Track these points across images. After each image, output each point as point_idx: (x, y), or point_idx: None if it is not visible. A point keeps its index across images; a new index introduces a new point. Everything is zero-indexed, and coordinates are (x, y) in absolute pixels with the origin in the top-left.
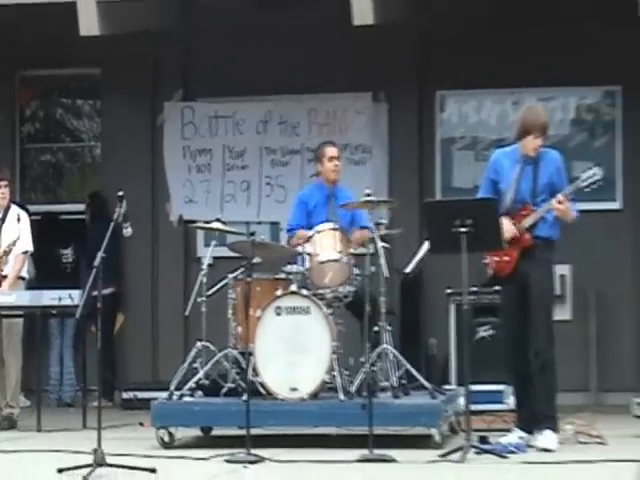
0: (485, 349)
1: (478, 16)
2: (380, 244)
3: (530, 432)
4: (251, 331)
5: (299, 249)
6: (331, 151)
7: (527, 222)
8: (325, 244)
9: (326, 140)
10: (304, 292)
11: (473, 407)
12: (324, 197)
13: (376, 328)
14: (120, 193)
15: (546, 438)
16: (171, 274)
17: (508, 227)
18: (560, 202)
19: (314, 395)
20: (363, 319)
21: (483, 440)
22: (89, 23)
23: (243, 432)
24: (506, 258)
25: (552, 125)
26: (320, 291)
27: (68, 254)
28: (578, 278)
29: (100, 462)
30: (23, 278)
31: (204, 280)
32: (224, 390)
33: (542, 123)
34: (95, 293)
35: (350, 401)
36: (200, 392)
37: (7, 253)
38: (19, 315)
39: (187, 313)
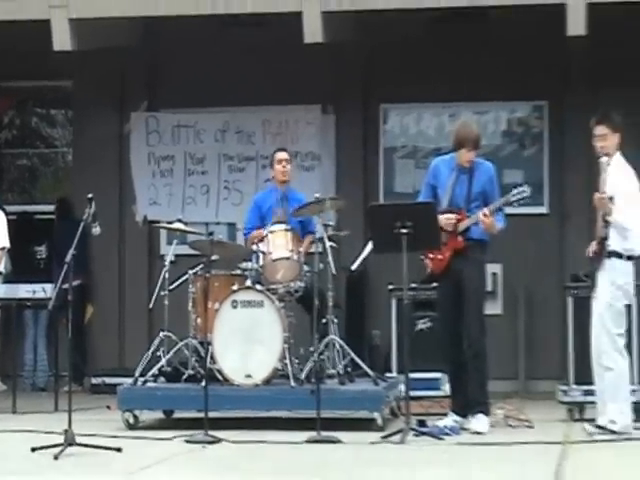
0: (423, 340)
1: (418, 37)
2: (328, 244)
3: (464, 416)
4: (209, 322)
5: (254, 248)
6: (280, 155)
7: (461, 227)
8: (278, 243)
9: (278, 148)
10: (258, 287)
11: (412, 393)
12: (277, 200)
13: (324, 320)
14: (90, 195)
15: (479, 421)
16: (136, 270)
17: (449, 217)
18: (485, 215)
19: (267, 381)
20: (312, 312)
21: (421, 423)
22: (62, 39)
23: (202, 415)
24: (440, 257)
25: (485, 136)
26: (273, 286)
27: (42, 251)
28: (508, 276)
29: (70, 442)
30: (0, 273)
31: (166, 275)
32: (184, 376)
33: (474, 138)
34: (66, 286)
35: (300, 387)
36: (162, 378)
37: None
38: None
39: (151, 306)
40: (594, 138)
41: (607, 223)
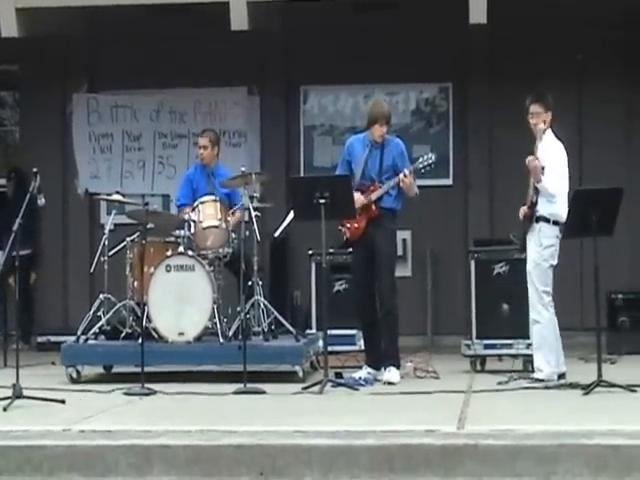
0: (340, 300)
1: (336, 25)
2: (253, 213)
3: (377, 369)
4: (145, 285)
5: (186, 217)
6: (200, 141)
7: (374, 196)
8: (207, 213)
9: (204, 129)
10: (190, 253)
11: (330, 348)
12: (205, 175)
13: (250, 283)
14: (35, 170)
15: (390, 373)
16: (79, 238)
17: (358, 198)
18: (405, 176)
19: (198, 338)
20: (239, 275)
21: (338, 375)
22: (9, 26)
23: (138, 369)
24: (356, 225)
25: (396, 115)
26: (203, 252)
27: None
28: (417, 241)
29: (18, 395)
30: None
31: (106, 243)
32: (123, 335)
33: (386, 114)
34: (14, 254)
35: (228, 343)
36: (103, 336)
37: None
38: None
39: (92, 270)
40: (528, 115)
41: (536, 190)
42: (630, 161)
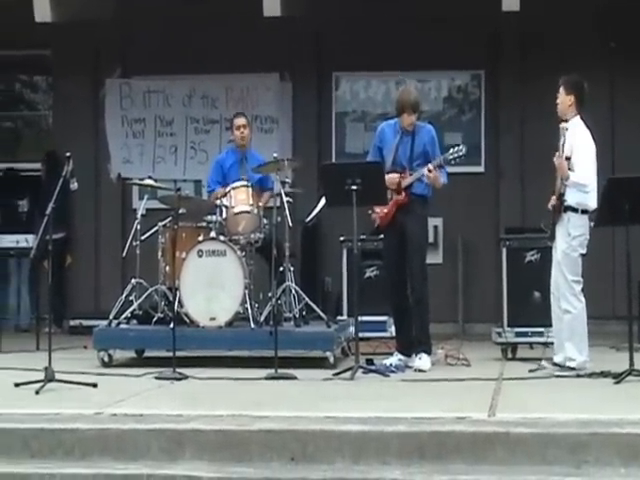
0: (371, 286)
1: (368, 12)
2: (285, 199)
3: (408, 355)
4: (177, 270)
5: (217, 202)
6: (238, 121)
7: (405, 182)
8: (239, 198)
9: (237, 112)
10: (221, 238)
11: (361, 334)
12: (238, 160)
13: (281, 268)
14: (68, 154)
15: (421, 360)
16: (111, 222)
17: (394, 177)
18: (430, 171)
19: (229, 324)
20: (270, 261)
21: (369, 362)
22: (42, 12)
23: (170, 354)
24: (386, 211)
25: (428, 102)
26: (235, 237)
27: (24, 204)
28: (448, 228)
29: (50, 378)
30: None
31: (138, 227)
32: (154, 319)
33: (412, 102)
34: (48, 237)
35: (259, 329)
36: (134, 321)
37: None
38: None
39: (124, 255)
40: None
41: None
42: None
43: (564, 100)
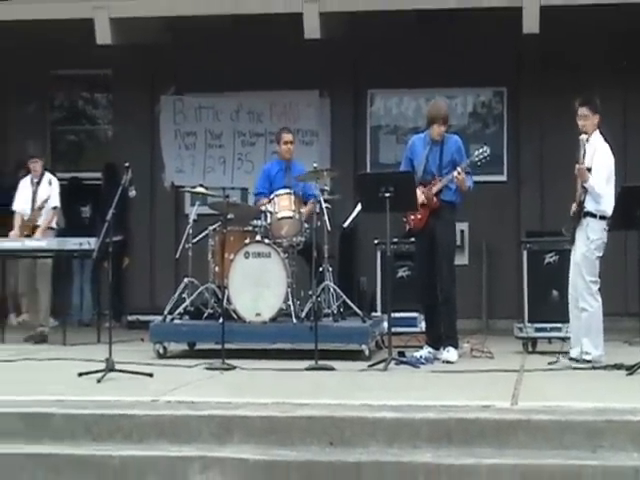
0: (403, 285)
1: (400, 34)
2: (324, 205)
3: (437, 348)
4: (226, 270)
5: (262, 208)
6: (286, 137)
7: (435, 188)
8: (282, 205)
9: (283, 127)
10: (266, 241)
11: (394, 329)
12: (282, 169)
13: (320, 269)
14: (127, 164)
15: (449, 353)
16: (165, 226)
17: (419, 194)
18: (459, 173)
19: (273, 319)
20: (311, 262)
21: (401, 354)
22: (103, 35)
23: (219, 347)
24: (419, 216)
25: (455, 117)
26: (278, 240)
27: (87, 210)
28: (473, 233)
29: (111, 368)
30: (53, 228)
31: (190, 231)
32: (205, 315)
33: (442, 115)
34: (108, 240)
35: (301, 324)
36: (187, 316)
37: (40, 208)
38: (49, 256)
39: (177, 256)
40: (577, 117)
41: (584, 189)
42: None
43: (592, 120)
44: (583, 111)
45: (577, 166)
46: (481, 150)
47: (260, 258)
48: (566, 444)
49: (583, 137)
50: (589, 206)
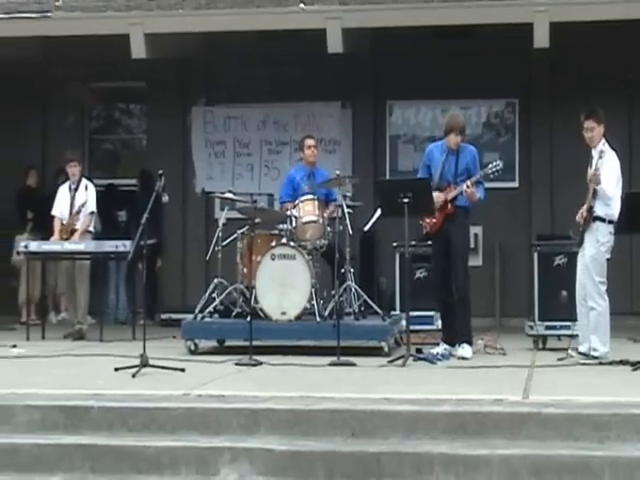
0: (420, 286)
1: (417, 48)
2: (346, 210)
3: (452, 345)
4: (253, 271)
5: (288, 213)
6: (309, 142)
7: (450, 195)
8: (307, 209)
9: (306, 134)
10: (291, 244)
11: (412, 327)
12: (306, 175)
13: (342, 270)
14: (160, 171)
15: (464, 350)
16: (196, 230)
17: (439, 196)
18: (468, 187)
19: (298, 317)
20: (333, 264)
21: (419, 351)
22: (138, 50)
23: (247, 343)
24: (434, 220)
25: (469, 126)
26: (303, 243)
27: (122, 215)
28: (487, 236)
29: (145, 363)
30: (90, 232)
31: (220, 234)
32: (234, 313)
33: (460, 125)
34: (142, 243)
35: (324, 322)
36: (216, 315)
37: (78, 213)
38: (87, 258)
39: (207, 258)
40: (584, 130)
41: (595, 194)
42: None
43: (598, 130)
44: (589, 123)
45: (591, 171)
46: (494, 163)
47: (285, 260)
48: (575, 435)
49: (594, 152)
50: (599, 211)
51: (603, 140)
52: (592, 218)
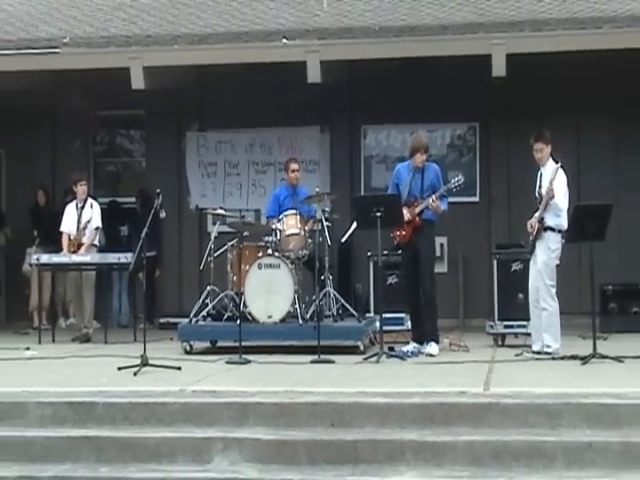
0: (392, 290)
1: (388, 78)
2: (325, 223)
3: (421, 343)
4: (242, 279)
5: (273, 227)
6: (292, 166)
7: (418, 209)
8: (290, 223)
9: (290, 157)
10: (276, 254)
11: (384, 327)
12: (290, 194)
13: (322, 277)
14: (158, 190)
15: (431, 347)
16: (191, 243)
17: (405, 213)
18: (433, 201)
19: (283, 320)
20: (314, 271)
21: (391, 349)
22: (137, 81)
23: (237, 344)
24: (404, 232)
25: (435, 147)
26: (286, 254)
27: (124, 230)
28: (451, 245)
29: (145, 363)
30: (96, 245)
31: (212, 246)
32: (225, 317)
33: (424, 145)
34: (143, 255)
35: (306, 324)
36: (209, 318)
37: (85, 228)
38: (93, 269)
39: (201, 268)
40: (534, 151)
41: (547, 206)
42: (619, 180)
43: (546, 150)
44: (538, 145)
45: (546, 186)
46: (457, 179)
47: (271, 269)
48: (530, 423)
49: (543, 169)
50: (549, 221)
51: (551, 159)
52: (544, 228)
